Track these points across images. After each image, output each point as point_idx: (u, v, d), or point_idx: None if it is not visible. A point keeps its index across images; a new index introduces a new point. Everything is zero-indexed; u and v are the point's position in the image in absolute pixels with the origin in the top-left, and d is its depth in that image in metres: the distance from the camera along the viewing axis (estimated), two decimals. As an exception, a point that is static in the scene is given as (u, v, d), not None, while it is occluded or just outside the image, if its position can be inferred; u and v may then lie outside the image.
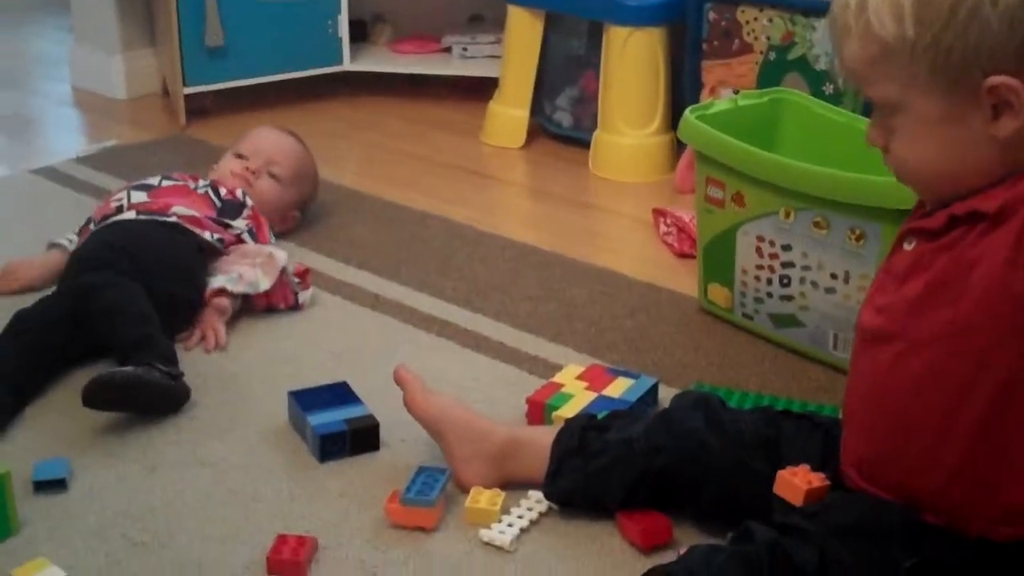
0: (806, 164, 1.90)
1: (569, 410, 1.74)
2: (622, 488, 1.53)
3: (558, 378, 1.85)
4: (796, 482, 1.36)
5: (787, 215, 1.93)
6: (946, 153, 1.22)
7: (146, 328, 1.86)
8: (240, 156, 2.41)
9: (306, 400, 1.77)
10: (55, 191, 2.74)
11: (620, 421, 1.59)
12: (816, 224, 1.89)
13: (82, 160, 2.93)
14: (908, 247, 1.30)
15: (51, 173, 2.84)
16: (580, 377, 1.84)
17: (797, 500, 1.35)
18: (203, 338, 2.01)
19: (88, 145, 3.08)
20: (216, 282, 2.08)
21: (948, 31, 1.15)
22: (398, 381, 1.68)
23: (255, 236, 2.26)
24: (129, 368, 1.76)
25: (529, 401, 1.79)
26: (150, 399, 1.76)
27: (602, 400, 1.77)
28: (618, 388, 1.81)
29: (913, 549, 1.25)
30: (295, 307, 2.14)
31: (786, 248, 1.95)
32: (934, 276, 1.24)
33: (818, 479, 1.37)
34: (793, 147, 2.11)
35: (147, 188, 2.26)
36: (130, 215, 2.16)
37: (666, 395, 1.83)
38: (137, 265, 1.98)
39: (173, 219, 2.15)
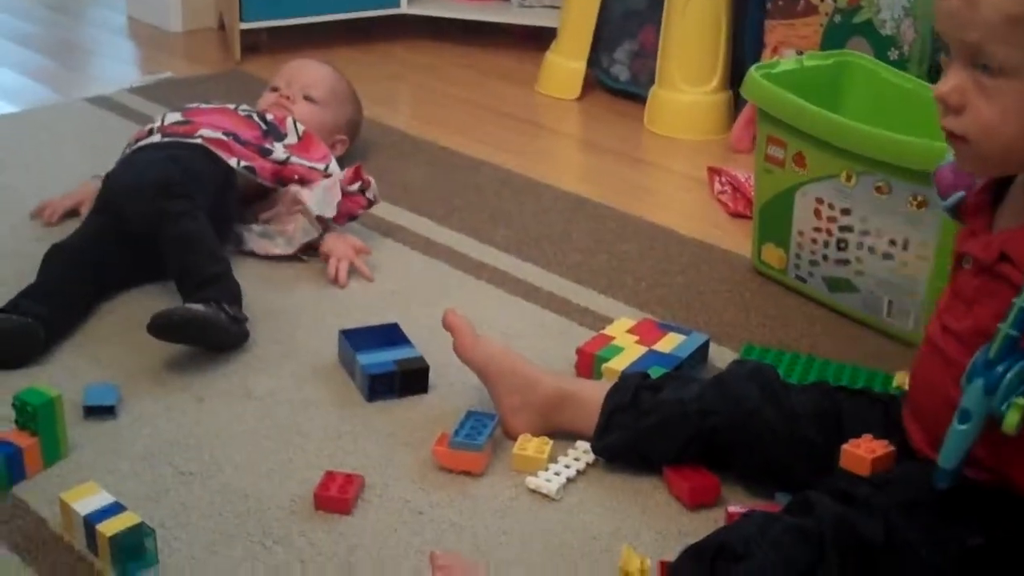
0: (870, 127, 1.87)
1: (619, 363, 1.73)
2: (671, 447, 1.52)
3: (609, 330, 1.83)
4: (860, 452, 1.35)
5: (848, 178, 1.90)
6: None
7: (217, 266, 1.86)
8: (275, 89, 2.40)
9: (357, 339, 1.77)
10: (109, 119, 2.74)
11: (674, 383, 1.58)
12: (878, 189, 1.86)
13: (136, 91, 2.93)
14: (967, 266, 1.30)
15: (105, 102, 2.84)
16: (631, 331, 1.83)
17: (864, 470, 1.34)
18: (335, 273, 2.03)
19: (143, 76, 3.08)
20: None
21: None
22: (447, 326, 1.67)
23: (304, 160, 2.22)
24: (200, 307, 1.76)
25: (579, 351, 1.78)
26: (213, 339, 1.77)
27: (652, 355, 1.76)
28: (669, 344, 1.79)
29: (981, 527, 1.24)
30: (372, 204, 2.16)
31: (845, 212, 1.93)
32: (997, 308, 1.22)
33: (882, 447, 1.35)
34: (857, 111, 2.08)
35: (184, 108, 2.25)
36: (155, 139, 2.13)
37: (716, 353, 1.83)
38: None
39: (198, 141, 2.11)
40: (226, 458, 1.56)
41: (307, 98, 2.37)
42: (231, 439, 1.61)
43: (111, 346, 1.81)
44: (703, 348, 1.82)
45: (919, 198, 1.82)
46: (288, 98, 2.36)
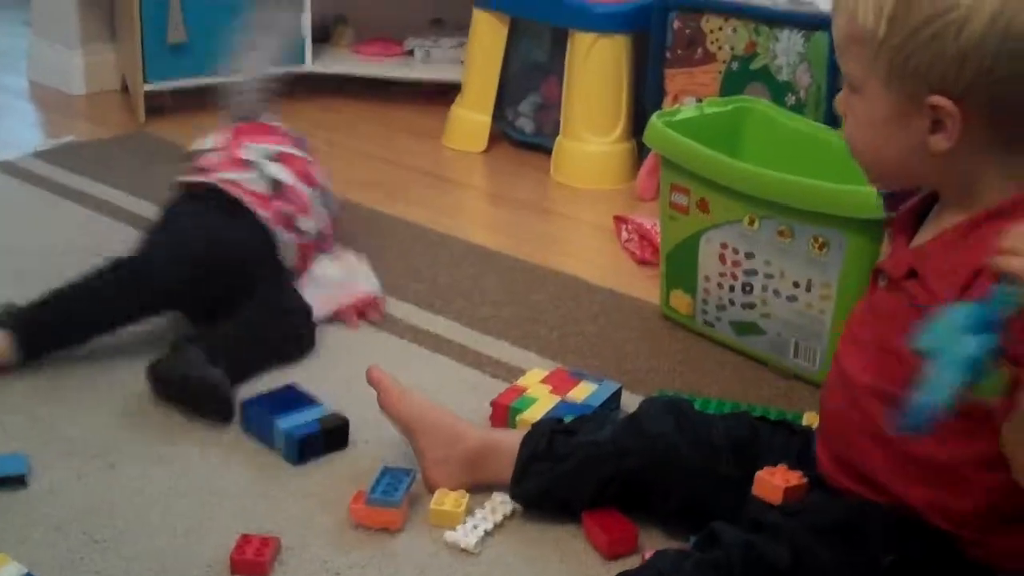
0: (772, 171, 1.92)
1: (533, 414, 1.74)
2: (589, 490, 1.53)
3: (522, 381, 1.85)
4: (774, 481, 1.38)
5: (751, 223, 1.94)
6: (886, 148, 1.27)
7: None
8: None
9: (264, 406, 1.75)
10: (11, 185, 2.71)
11: (588, 425, 1.60)
12: (780, 233, 1.90)
13: (39, 155, 2.90)
14: (882, 284, 1.34)
15: (7, 167, 2.81)
16: (544, 381, 1.84)
17: (776, 499, 1.36)
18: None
19: (45, 140, 3.05)
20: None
21: (912, 41, 1.19)
22: (371, 381, 1.68)
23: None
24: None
25: (493, 404, 1.79)
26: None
27: (565, 405, 1.77)
28: (581, 393, 1.81)
29: (893, 546, 1.26)
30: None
31: (749, 256, 1.96)
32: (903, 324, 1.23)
33: (796, 477, 1.38)
34: (757, 155, 2.13)
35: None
36: None
37: (629, 401, 1.84)
38: None
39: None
40: (140, 523, 1.55)
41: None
42: (145, 504, 1.59)
43: (18, 415, 1.78)
44: (616, 396, 1.84)
45: (820, 240, 1.86)
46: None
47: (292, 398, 1.78)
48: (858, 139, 1.30)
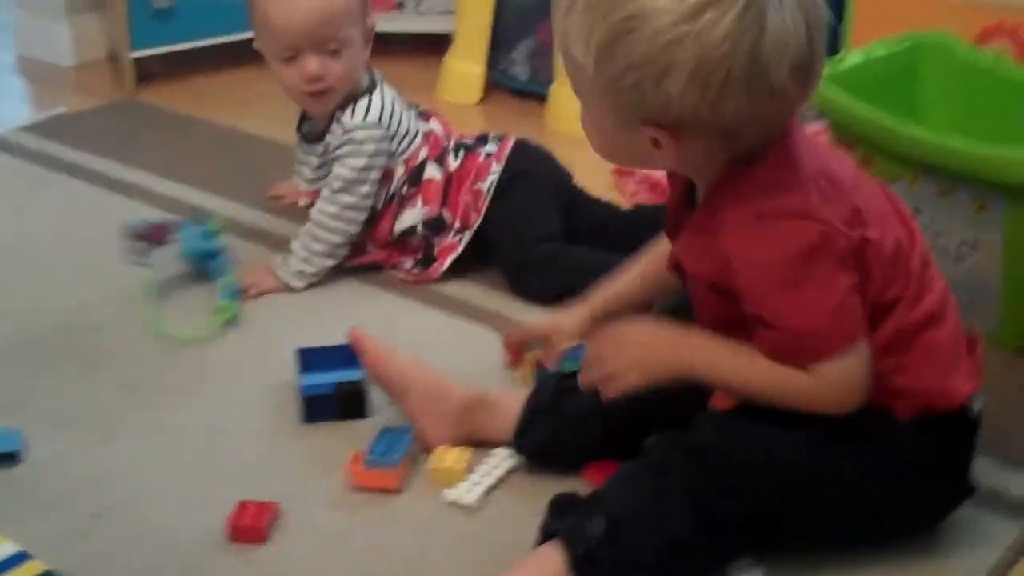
0: (929, 133, 1.84)
1: (539, 354, 1.71)
2: (596, 435, 1.51)
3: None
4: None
5: (914, 179, 1.86)
6: (617, 150, 1.36)
7: None
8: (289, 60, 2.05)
9: (311, 357, 1.72)
10: (3, 160, 2.67)
11: None
12: (941, 192, 1.84)
13: (29, 129, 2.86)
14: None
15: (-2, 142, 2.78)
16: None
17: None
18: None
19: (36, 113, 3.01)
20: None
21: (617, 84, 1.24)
22: (354, 343, 1.65)
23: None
24: None
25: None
26: None
27: (577, 348, 1.73)
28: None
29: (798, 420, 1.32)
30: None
31: (916, 212, 1.81)
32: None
33: None
34: (936, 98, 2.04)
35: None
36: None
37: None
38: None
39: None
40: (138, 494, 1.53)
41: (332, 52, 2.03)
42: (141, 475, 1.57)
43: (11, 391, 1.76)
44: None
45: (979, 201, 1.80)
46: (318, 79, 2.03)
47: (339, 357, 1.71)
48: (591, 137, 1.35)
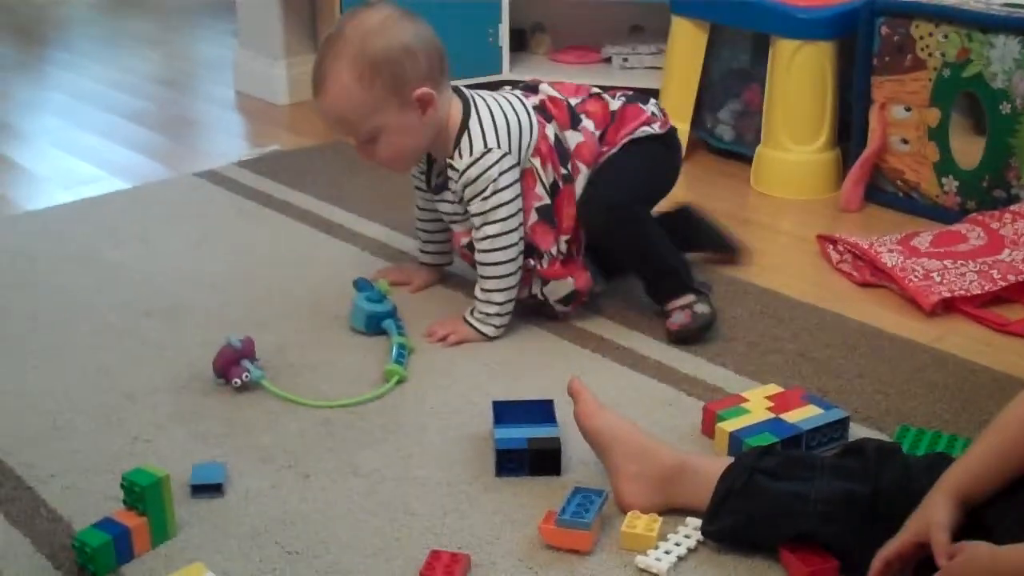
0: None
1: (733, 424, 1.70)
2: (785, 537, 1.47)
3: (747, 393, 1.81)
4: None
5: None
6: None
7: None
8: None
9: (506, 411, 1.74)
10: (216, 194, 2.77)
11: (796, 469, 1.49)
12: None
13: (244, 164, 2.96)
14: None
15: (213, 176, 2.88)
16: (770, 397, 1.79)
17: None
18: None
19: (250, 149, 3.12)
20: None
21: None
22: (571, 392, 1.66)
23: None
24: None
25: (705, 408, 1.77)
26: None
27: (774, 422, 1.71)
28: (800, 414, 1.74)
29: None
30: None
31: None
32: None
33: None
34: None
35: None
36: None
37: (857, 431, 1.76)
38: None
39: None
40: (332, 537, 1.55)
41: (367, 141, 2.00)
42: (337, 517, 1.59)
43: (217, 423, 1.81)
44: (841, 424, 1.74)
45: None
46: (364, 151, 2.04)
47: (537, 411, 1.73)
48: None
